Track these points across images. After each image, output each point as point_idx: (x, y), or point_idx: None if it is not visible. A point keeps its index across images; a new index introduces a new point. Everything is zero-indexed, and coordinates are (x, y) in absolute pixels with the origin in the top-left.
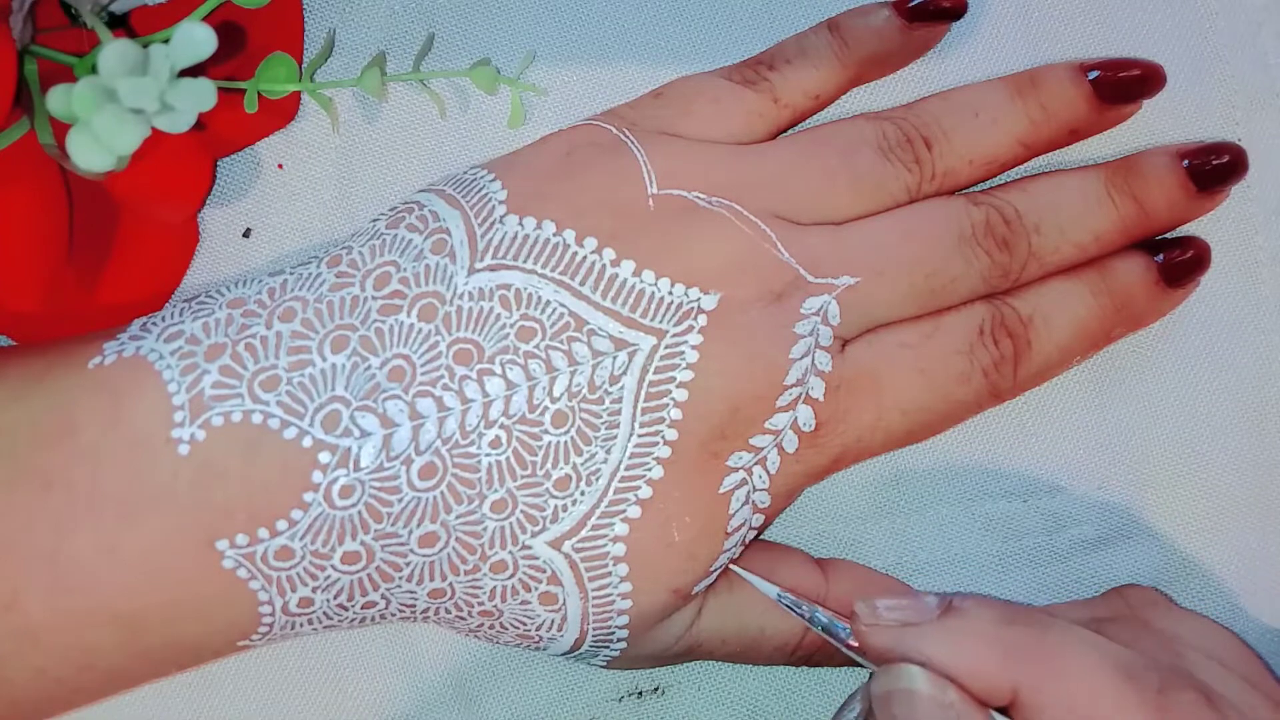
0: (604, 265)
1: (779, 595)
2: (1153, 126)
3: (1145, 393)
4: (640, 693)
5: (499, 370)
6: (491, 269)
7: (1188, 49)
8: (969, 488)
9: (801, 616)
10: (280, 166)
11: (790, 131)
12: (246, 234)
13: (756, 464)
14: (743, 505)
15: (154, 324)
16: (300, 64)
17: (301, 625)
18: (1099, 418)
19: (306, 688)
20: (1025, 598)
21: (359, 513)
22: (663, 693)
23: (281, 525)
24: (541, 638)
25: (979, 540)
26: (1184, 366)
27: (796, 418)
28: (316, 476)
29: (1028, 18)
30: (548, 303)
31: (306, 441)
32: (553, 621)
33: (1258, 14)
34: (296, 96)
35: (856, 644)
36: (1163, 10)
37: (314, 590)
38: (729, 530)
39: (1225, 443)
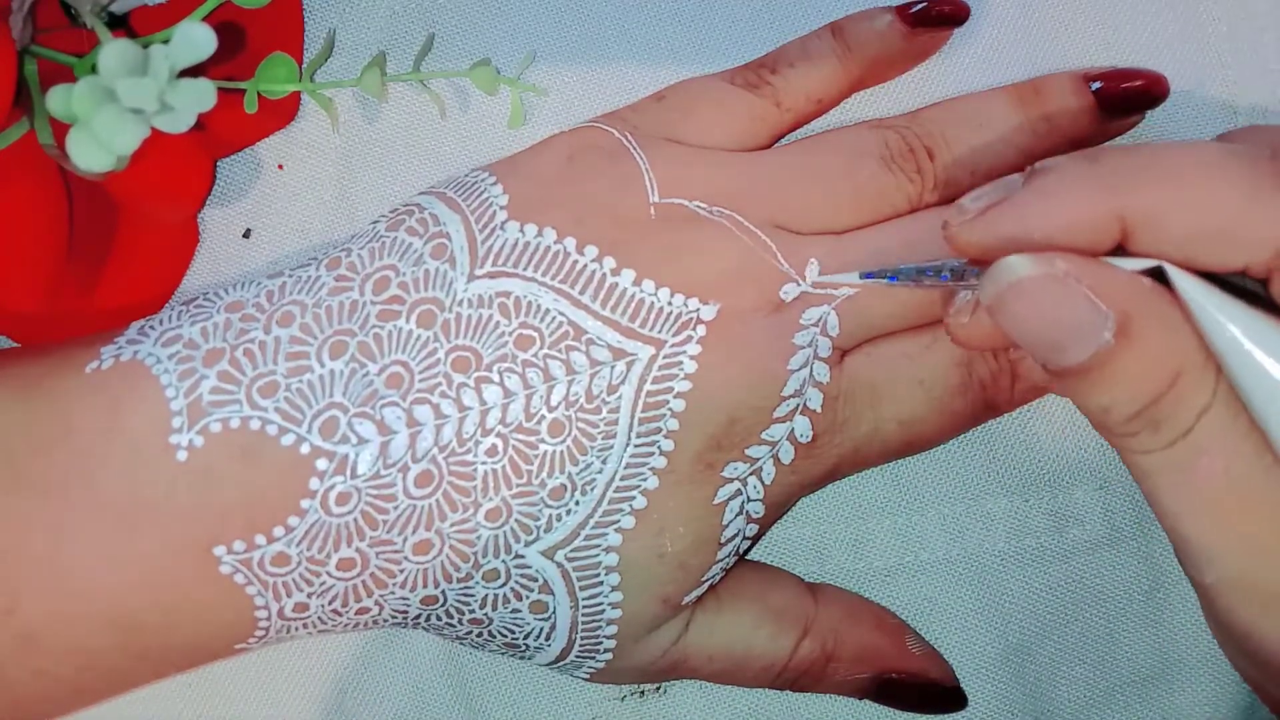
0: (604, 274)
1: (862, 275)
2: (1154, 131)
3: None
4: (642, 692)
5: (497, 378)
6: (491, 276)
7: (1189, 54)
8: (971, 486)
9: (903, 277)
10: (280, 166)
11: (791, 136)
12: (246, 234)
13: (752, 475)
14: (737, 516)
15: (151, 328)
16: (300, 64)
17: (297, 629)
18: None
19: (307, 688)
20: (1028, 597)
21: (355, 520)
22: (665, 692)
23: (279, 532)
24: (528, 646)
25: (981, 539)
26: None
27: (793, 429)
28: (314, 484)
29: (1030, 22)
30: (547, 311)
31: (304, 449)
32: (541, 630)
33: (1260, 19)
34: (296, 96)
35: (966, 267)
36: (1164, 15)
37: (309, 596)
38: (722, 541)
39: None
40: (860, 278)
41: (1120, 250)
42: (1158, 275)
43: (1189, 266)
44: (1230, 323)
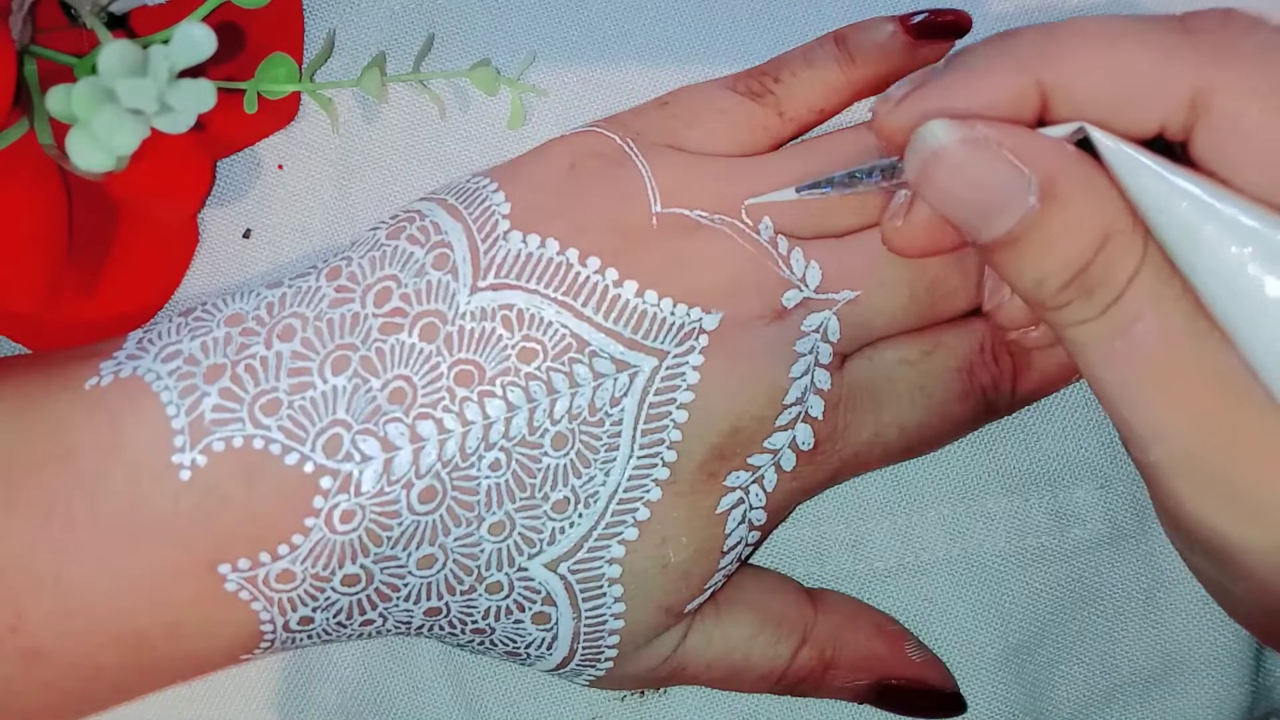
0: (606, 286)
1: (798, 189)
2: None
3: None
4: (643, 691)
5: (500, 392)
6: (494, 288)
7: None
8: (971, 486)
9: (836, 185)
10: (280, 167)
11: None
12: (246, 234)
13: (754, 483)
14: (739, 524)
15: (151, 342)
16: (300, 64)
17: (301, 640)
18: (1101, 416)
19: (307, 688)
20: (1029, 597)
21: (359, 537)
22: (665, 693)
23: (283, 550)
24: (530, 655)
25: (981, 538)
26: None
27: (795, 436)
28: (318, 502)
29: (1028, 23)
30: (550, 324)
31: (308, 467)
32: (543, 640)
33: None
34: (296, 97)
35: (896, 163)
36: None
37: (314, 610)
38: (725, 550)
39: None
40: (796, 192)
41: (1042, 125)
42: (1083, 146)
43: (1108, 130)
44: (1152, 178)
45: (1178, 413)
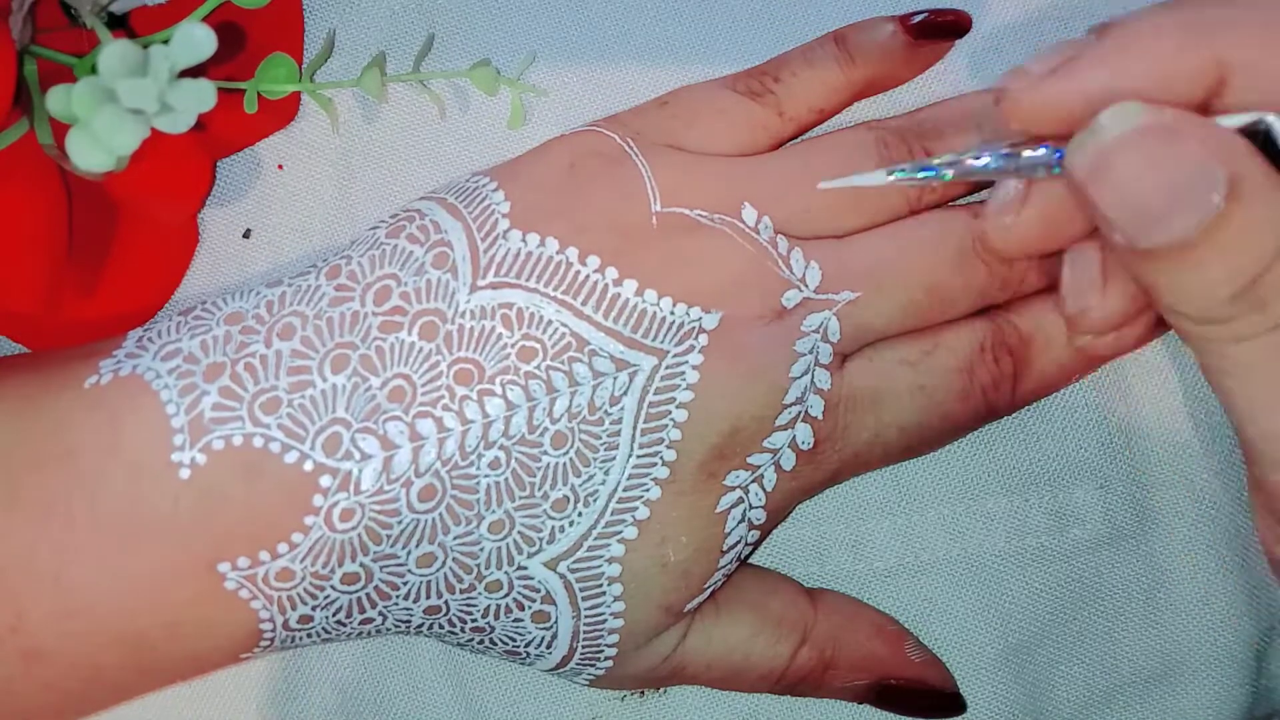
0: (606, 285)
1: (889, 172)
2: None
3: (1145, 393)
4: (643, 691)
5: (499, 391)
6: (494, 287)
7: None
8: (971, 486)
9: (938, 171)
10: (280, 167)
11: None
12: (246, 234)
13: (753, 482)
14: (739, 524)
15: (150, 341)
16: (300, 64)
17: (301, 639)
18: (1100, 416)
19: (307, 689)
20: (1029, 597)
21: (359, 535)
22: (665, 692)
23: (283, 548)
24: (530, 654)
25: (981, 538)
26: (1186, 366)
27: (795, 436)
28: (317, 500)
29: (1029, 24)
30: (549, 322)
31: (308, 465)
32: (543, 639)
33: None
34: (296, 97)
35: (1013, 149)
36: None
37: (314, 609)
38: (724, 549)
39: (1225, 442)
40: (887, 175)
41: (1206, 112)
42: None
43: None
44: None
45: None
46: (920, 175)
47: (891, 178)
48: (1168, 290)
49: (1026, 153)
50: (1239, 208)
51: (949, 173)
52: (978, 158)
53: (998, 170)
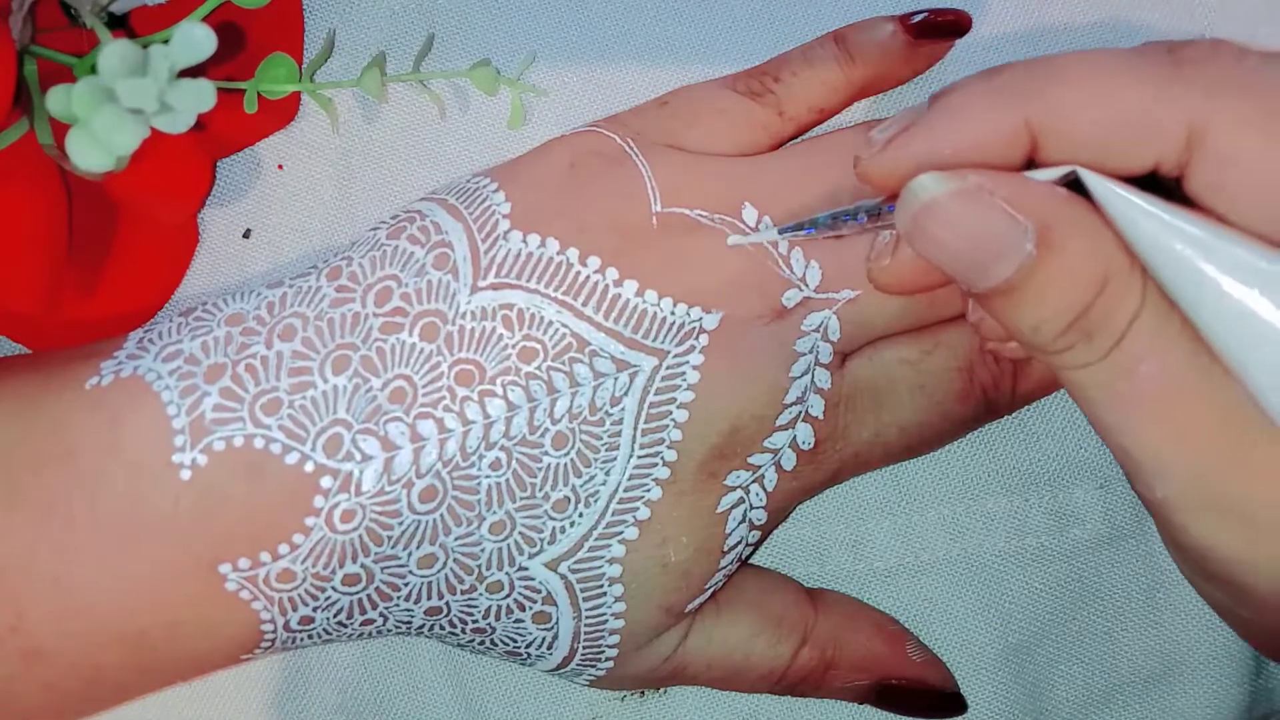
0: (607, 285)
1: (781, 231)
2: None
3: None
4: (643, 691)
5: (500, 391)
6: (495, 288)
7: None
8: (971, 486)
9: (820, 226)
10: (280, 167)
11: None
12: (246, 234)
13: (754, 482)
14: (740, 524)
15: (151, 342)
16: (300, 64)
17: (302, 640)
18: None
19: (307, 688)
20: (1029, 597)
21: (360, 536)
22: (665, 692)
23: (284, 549)
24: (531, 654)
25: (981, 538)
26: None
27: (795, 436)
28: (318, 501)
29: (1029, 23)
30: (550, 323)
31: (309, 466)
32: (544, 639)
33: (1255, 13)
34: (296, 97)
35: (881, 205)
36: (1161, 10)
37: (314, 610)
38: (725, 549)
39: None
40: (780, 233)
41: (1031, 166)
42: (1073, 186)
43: (1101, 170)
44: (1149, 218)
45: (1185, 449)
46: (804, 233)
47: (783, 235)
48: (1009, 325)
49: (889, 208)
50: (1052, 253)
51: (826, 231)
52: (848, 215)
53: (860, 224)
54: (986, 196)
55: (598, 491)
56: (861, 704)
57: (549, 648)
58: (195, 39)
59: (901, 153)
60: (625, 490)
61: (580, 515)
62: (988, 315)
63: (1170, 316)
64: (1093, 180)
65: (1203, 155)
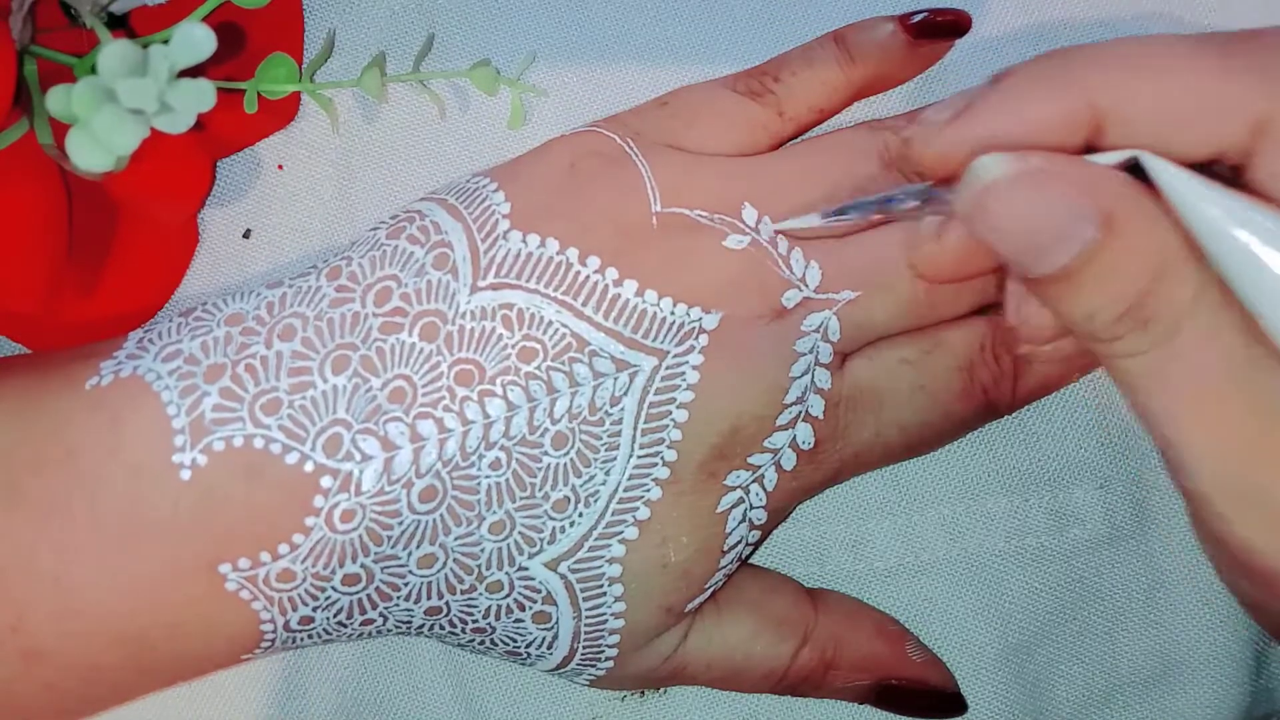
0: (606, 285)
1: (824, 215)
2: None
3: None
4: (643, 691)
5: (500, 391)
6: (494, 288)
7: None
8: (971, 486)
9: (864, 209)
10: (280, 167)
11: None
12: (246, 235)
13: (754, 482)
14: (739, 524)
15: (151, 342)
16: (300, 64)
17: (302, 640)
18: (1100, 416)
19: (307, 688)
20: (1029, 597)
21: (360, 536)
22: (665, 693)
23: (283, 549)
24: (530, 654)
25: (982, 538)
26: None
27: (796, 436)
28: (318, 501)
29: (1029, 23)
30: (550, 323)
31: (308, 466)
32: (544, 639)
33: (1254, 13)
34: (296, 97)
35: (930, 189)
36: (1161, 10)
37: (314, 610)
38: (725, 549)
39: None
40: (822, 217)
41: (1089, 150)
42: (1133, 170)
43: (1163, 155)
44: (1212, 205)
45: (1231, 441)
46: (848, 217)
47: (825, 220)
48: (1063, 312)
49: (935, 193)
50: (1114, 238)
51: (869, 214)
52: (897, 198)
53: (915, 209)
54: (1050, 179)
55: (597, 491)
56: (861, 704)
57: (549, 648)
58: (195, 39)
59: (961, 134)
60: (625, 490)
61: (580, 515)
62: (1032, 316)
63: (1225, 307)
64: (1156, 165)
65: (1269, 143)
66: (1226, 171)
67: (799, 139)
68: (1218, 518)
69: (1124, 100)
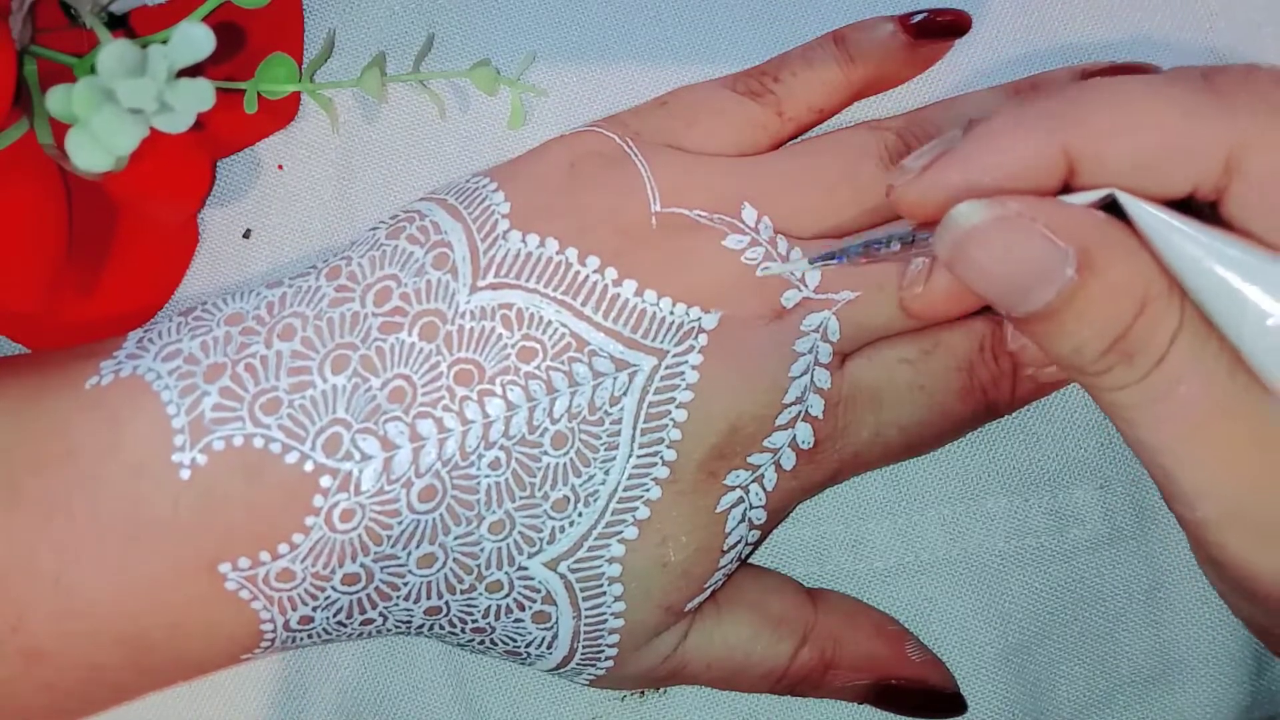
0: (606, 285)
1: (812, 261)
2: None
3: None
4: (643, 691)
5: (499, 391)
6: (494, 287)
7: (1188, 49)
8: (971, 486)
9: (851, 256)
10: (280, 167)
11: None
12: (246, 235)
13: (754, 482)
14: (739, 523)
15: (151, 341)
16: (300, 64)
17: (301, 639)
18: (1100, 416)
19: (307, 688)
20: (1029, 597)
21: (359, 536)
22: (665, 693)
23: (283, 549)
24: (530, 654)
25: (981, 539)
26: None
27: (795, 436)
28: (318, 501)
29: (1029, 22)
30: (549, 323)
31: (308, 466)
32: (543, 639)
33: (1257, 14)
34: (296, 97)
35: (914, 233)
36: (1163, 10)
37: (314, 609)
38: (725, 549)
39: None
40: (810, 264)
41: (1067, 191)
42: (1110, 209)
43: (1139, 195)
44: (1188, 241)
45: (1225, 469)
46: (835, 262)
47: (814, 265)
48: (1049, 348)
49: (920, 236)
50: (1093, 276)
51: (857, 260)
52: (881, 243)
53: (893, 252)
54: (1027, 223)
55: (597, 491)
56: (861, 704)
57: (549, 647)
58: (195, 39)
59: (938, 180)
60: (625, 490)
61: (580, 515)
62: (1030, 344)
63: (1209, 338)
64: (1131, 203)
65: (1242, 178)
66: (1203, 206)
67: (799, 139)
68: (1219, 545)
69: (1098, 142)
